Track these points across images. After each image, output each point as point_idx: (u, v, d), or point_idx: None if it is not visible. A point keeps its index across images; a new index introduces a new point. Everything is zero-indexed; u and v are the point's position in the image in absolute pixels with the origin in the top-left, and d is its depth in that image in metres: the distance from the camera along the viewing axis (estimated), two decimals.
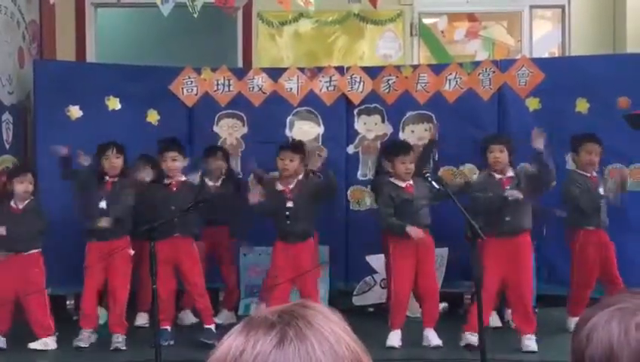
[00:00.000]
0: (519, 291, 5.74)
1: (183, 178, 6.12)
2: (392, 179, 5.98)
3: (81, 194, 6.09)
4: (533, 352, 5.67)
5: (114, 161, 5.97)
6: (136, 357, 5.72)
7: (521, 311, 5.78)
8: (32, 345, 5.82)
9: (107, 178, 6.00)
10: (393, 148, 6.20)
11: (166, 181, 6.09)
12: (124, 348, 5.88)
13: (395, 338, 5.86)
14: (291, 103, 7.13)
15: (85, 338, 5.88)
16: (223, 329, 5.88)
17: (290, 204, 5.93)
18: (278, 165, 6.07)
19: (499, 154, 5.85)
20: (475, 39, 8.47)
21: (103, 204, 5.93)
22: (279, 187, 6.02)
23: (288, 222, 5.94)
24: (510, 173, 5.90)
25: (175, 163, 6.05)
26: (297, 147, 6.22)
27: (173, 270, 6.01)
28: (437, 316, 5.94)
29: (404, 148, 6.09)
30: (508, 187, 5.83)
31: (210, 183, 6.52)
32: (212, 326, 6.01)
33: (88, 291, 5.92)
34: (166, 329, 5.92)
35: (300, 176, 6.15)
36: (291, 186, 6.01)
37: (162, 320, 5.93)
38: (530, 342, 5.71)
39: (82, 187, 6.05)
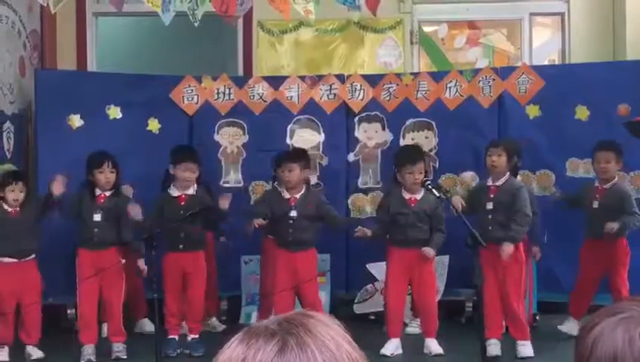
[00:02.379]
0: (507, 297, 5.70)
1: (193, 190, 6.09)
2: (401, 190, 5.95)
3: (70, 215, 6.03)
4: (530, 358, 5.65)
5: (109, 176, 5.92)
6: None
7: (512, 317, 5.76)
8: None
9: (99, 191, 5.95)
10: (400, 157, 6.12)
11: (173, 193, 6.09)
12: (124, 356, 5.88)
13: (390, 347, 5.84)
14: (292, 111, 7.14)
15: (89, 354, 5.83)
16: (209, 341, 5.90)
17: (293, 213, 5.95)
18: (280, 177, 6.07)
19: (495, 158, 5.81)
20: (475, 47, 8.48)
21: (97, 217, 5.90)
22: (286, 195, 6.03)
23: (291, 230, 5.95)
24: (501, 181, 5.82)
25: (193, 174, 6.05)
26: (296, 155, 6.22)
27: (182, 282, 6.05)
28: (436, 327, 5.91)
29: (411, 157, 5.99)
30: (492, 196, 5.79)
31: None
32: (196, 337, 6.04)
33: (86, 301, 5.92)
34: (173, 339, 5.99)
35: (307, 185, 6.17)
36: (297, 196, 6.01)
37: (169, 329, 5.97)
38: (524, 349, 5.70)
39: (73, 211, 5.99)
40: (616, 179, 6.15)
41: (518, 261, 5.71)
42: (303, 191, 6.04)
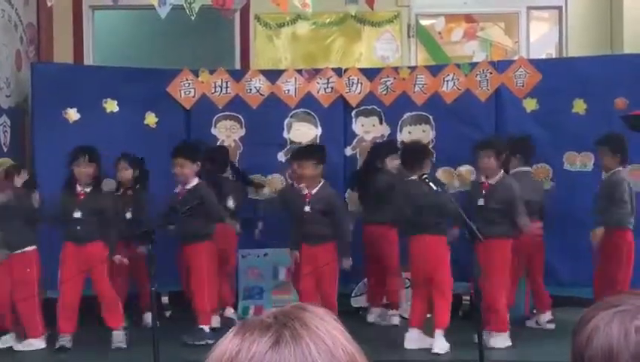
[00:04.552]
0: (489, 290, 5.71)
1: (192, 185, 6.08)
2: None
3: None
4: (499, 349, 5.67)
5: (84, 170, 5.88)
6: (134, 357, 5.74)
7: (491, 309, 5.75)
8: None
9: (79, 188, 5.93)
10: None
11: (176, 189, 6.10)
12: (124, 346, 5.96)
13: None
14: (289, 105, 7.14)
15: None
16: (217, 331, 5.94)
17: (307, 209, 5.98)
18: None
19: (486, 160, 5.81)
20: (472, 40, 8.48)
21: (77, 214, 5.89)
22: (304, 191, 6.07)
23: (306, 225, 6.01)
24: (493, 180, 5.83)
25: (183, 169, 6.02)
26: (307, 152, 6.24)
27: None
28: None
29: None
30: (483, 192, 5.80)
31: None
32: (205, 327, 6.02)
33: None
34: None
35: (323, 181, 6.12)
36: (313, 191, 6.04)
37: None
38: (495, 340, 5.71)
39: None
40: (616, 171, 6.11)
41: (503, 256, 5.73)
42: (318, 188, 6.06)
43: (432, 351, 5.64)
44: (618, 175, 6.08)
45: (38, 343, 5.95)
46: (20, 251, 5.92)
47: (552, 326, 6.32)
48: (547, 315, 6.39)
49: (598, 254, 6.10)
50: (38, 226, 6.08)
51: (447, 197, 5.34)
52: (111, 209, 6.02)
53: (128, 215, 6.37)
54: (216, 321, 6.31)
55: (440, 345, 5.66)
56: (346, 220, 6.12)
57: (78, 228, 5.87)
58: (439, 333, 5.69)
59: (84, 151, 5.88)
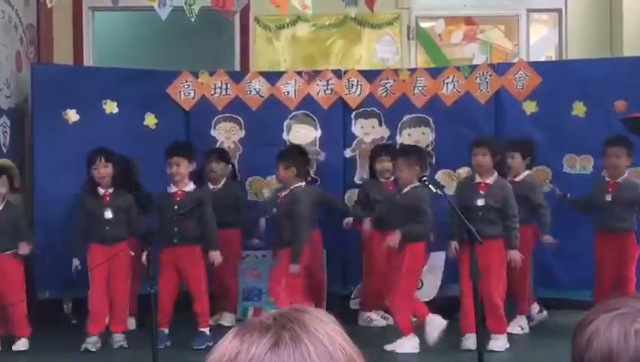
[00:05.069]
0: (487, 291, 5.68)
1: (189, 187, 6.05)
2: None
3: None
4: (499, 352, 5.66)
5: (102, 171, 5.91)
6: (134, 357, 5.74)
7: (490, 311, 5.74)
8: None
9: (102, 190, 5.96)
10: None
11: (170, 189, 6.06)
12: (126, 346, 5.96)
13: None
14: (288, 107, 7.14)
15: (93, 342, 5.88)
16: (218, 333, 5.92)
17: (274, 210, 6.03)
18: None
19: (480, 158, 5.80)
20: (472, 42, 8.49)
21: (108, 214, 5.92)
22: (282, 193, 6.08)
23: (275, 227, 6.12)
24: (490, 179, 5.79)
25: (179, 169, 5.99)
26: (282, 155, 6.29)
27: (176, 275, 6.02)
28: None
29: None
30: (482, 192, 5.79)
31: (211, 186, 6.60)
32: (206, 330, 6.01)
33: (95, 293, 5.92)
34: (162, 331, 5.91)
35: (297, 184, 6.14)
36: (283, 194, 6.08)
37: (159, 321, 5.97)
38: (494, 342, 5.70)
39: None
40: (626, 173, 6.10)
41: (500, 257, 5.73)
42: (288, 191, 6.12)
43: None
44: (631, 178, 6.08)
45: (24, 343, 5.91)
46: (9, 252, 5.88)
47: (542, 315, 6.38)
48: (535, 307, 6.42)
49: (600, 256, 6.08)
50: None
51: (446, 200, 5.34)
52: (135, 207, 6.06)
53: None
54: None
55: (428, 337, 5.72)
56: (299, 226, 6.04)
57: (107, 228, 5.90)
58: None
59: (99, 153, 5.92)
